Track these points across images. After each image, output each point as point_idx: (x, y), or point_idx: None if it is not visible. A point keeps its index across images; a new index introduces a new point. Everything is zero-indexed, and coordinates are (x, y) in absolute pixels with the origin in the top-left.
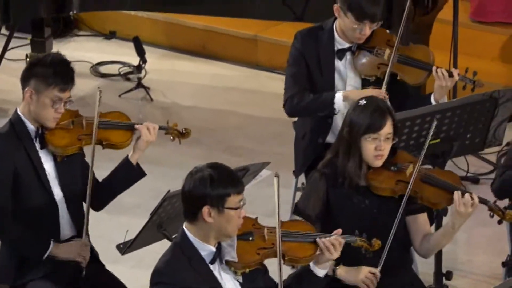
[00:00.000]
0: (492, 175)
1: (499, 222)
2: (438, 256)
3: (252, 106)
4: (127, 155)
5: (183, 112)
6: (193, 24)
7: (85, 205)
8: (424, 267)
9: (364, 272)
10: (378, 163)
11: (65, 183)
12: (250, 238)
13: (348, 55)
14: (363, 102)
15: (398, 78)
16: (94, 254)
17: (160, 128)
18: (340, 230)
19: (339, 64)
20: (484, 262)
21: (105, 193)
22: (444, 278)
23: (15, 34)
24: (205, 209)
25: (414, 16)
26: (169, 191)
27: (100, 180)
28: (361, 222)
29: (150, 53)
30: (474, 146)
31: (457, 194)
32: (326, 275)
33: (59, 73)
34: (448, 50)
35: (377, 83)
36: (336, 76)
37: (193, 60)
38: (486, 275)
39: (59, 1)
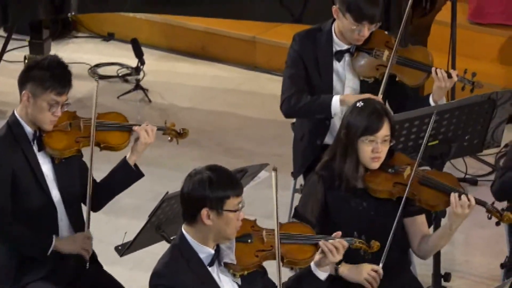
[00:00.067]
0: (491, 177)
1: (497, 223)
2: (437, 257)
3: (250, 107)
4: (125, 157)
5: (181, 114)
6: (191, 25)
7: (86, 200)
8: (422, 269)
9: (367, 270)
10: (375, 165)
11: (63, 185)
12: (249, 240)
13: (346, 57)
14: (360, 104)
15: (397, 79)
16: (92, 255)
17: (158, 128)
18: (339, 233)
19: (337, 65)
20: (482, 264)
21: (103, 194)
22: (442, 279)
23: (14, 36)
24: (204, 212)
25: (412, 17)
26: (167, 192)
27: (98, 181)
28: (359, 224)
29: (148, 54)
30: (473, 148)
31: (453, 196)
32: (326, 278)
33: (56, 76)
34: (447, 52)
35: (376, 85)
36: (335, 77)
37: (192, 61)
38: (484, 276)
39: (57, 2)
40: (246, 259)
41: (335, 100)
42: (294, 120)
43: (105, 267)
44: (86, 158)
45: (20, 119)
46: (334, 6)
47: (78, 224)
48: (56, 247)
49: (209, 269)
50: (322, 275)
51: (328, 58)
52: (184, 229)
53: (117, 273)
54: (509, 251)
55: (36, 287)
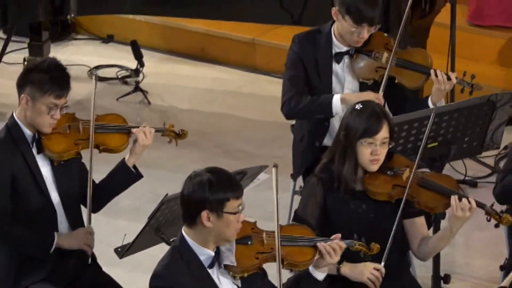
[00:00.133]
0: (490, 179)
1: (496, 226)
2: (436, 259)
3: (250, 109)
4: (124, 158)
5: (181, 116)
6: (191, 27)
7: (85, 202)
8: (422, 271)
9: (369, 269)
10: (374, 167)
11: (63, 188)
12: (249, 243)
13: (346, 59)
14: (359, 106)
15: (396, 81)
16: (92, 257)
17: (156, 130)
18: (339, 235)
19: (337, 67)
20: (482, 266)
21: (102, 195)
22: (442, 281)
23: (13, 38)
24: (204, 214)
25: (411, 19)
26: (167, 194)
27: (97, 182)
28: (358, 226)
29: (148, 56)
30: (472, 150)
31: (454, 199)
32: (325, 278)
33: (55, 79)
34: (446, 54)
35: (375, 87)
36: (334, 79)
37: (191, 63)
38: (484, 278)
39: (57, 4)
40: (246, 261)
41: (336, 99)
42: (293, 122)
43: (105, 269)
44: (85, 160)
45: (19, 122)
46: (333, 8)
47: (78, 226)
48: (58, 244)
49: (209, 271)
50: (320, 276)
51: (327, 60)
52: (184, 231)
53: (116, 275)
54: (508, 253)
55: None
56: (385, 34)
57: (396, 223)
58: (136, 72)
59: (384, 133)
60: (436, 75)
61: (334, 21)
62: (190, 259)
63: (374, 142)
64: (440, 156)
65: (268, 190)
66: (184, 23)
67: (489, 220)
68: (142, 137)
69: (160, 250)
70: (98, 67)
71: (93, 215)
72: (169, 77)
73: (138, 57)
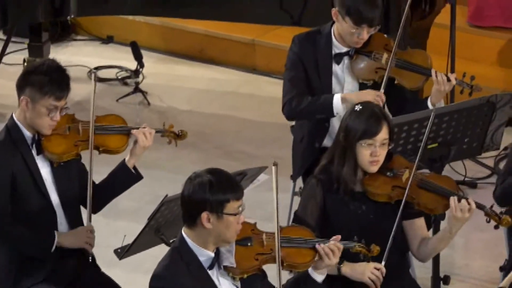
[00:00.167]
0: (490, 180)
1: (496, 227)
2: (436, 260)
3: (249, 110)
4: (124, 159)
5: (180, 117)
6: (190, 28)
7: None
8: (421, 272)
9: (370, 268)
10: (374, 169)
11: (62, 189)
12: (249, 244)
13: (345, 60)
14: (358, 107)
15: (395, 82)
16: (91, 258)
17: (156, 131)
18: (339, 236)
19: (336, 68)
20: (482, 267)
21: (102, 196)
22: (441, 282)
23: (13, 39)
24: (204, 215)
25: (411, 20)
26: (166, 195)
27: (96, 183)
28: (358, 227)
29: (148, 57)
30: (472, 151)
31: (453, 200)
32: (325, 280)
33: (55, 81)
34: (446, 55)
35: (375, 88)
36: (334, 80)
37: (191, 64)
38: (483, 279)
39: (56, 5)
40: (246, 262)
41: (337, 98)
42: (293, 122)
43: (105, 270)
44: (84, 161)
45: (18, 123)
46: (333, 8)
47: (78, 227)
48: (59, 243)
49: (209, 272)
50: (319, 277)
51: (327, 61)
52: (184, 232)
53: (116, 276)
54: (508, 254)
55: None
56: (385, 35)
57: (396, 224)
58: (136, 73)
59: (383, 134)
60: (436, 76)
61: (334, 22)
62: (190, 260)
63: (374, 143)
64: (440, 157)
65: (268, 191)
66: (183, 24)
67: (488, 222)
68: (142, 138)
69: (160, 251)
70: (98, 68)
71: (92, 216)
72: (168, 77)
73: (138, 58)
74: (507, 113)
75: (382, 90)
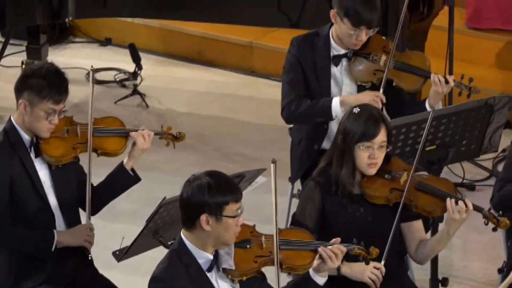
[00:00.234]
0: (488, 182)
1: (494, 229)
2: (434, 262)
3: (248, 112)
4: (122, 161)
5: (178, 119)
6: (189, 30)
7: (82, 205)
8: (420, 274)
9: (369, 268)
10: (372, 171)
11: (61, 191)
12: (248, 246)
13: (344, 61)
14: (357, 110)
15: (394, 84)
16: (89, 260)
17: (155, 133)
18: (338, 239)
19: (335, 70)
20: (480, 269)
21: (100, 198)
22: (440, 284)
23: (11, 41)
24: (203, 217)
25: (409, 22)
26: (165, 197)
27: (94, 185)
28: (356, 230)
29: (146, 59)
30: (470, 153)
31: (449, 202)
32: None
33: (53, 85)
34: (444, 57)
35: (373, 90)
36: (332, 82)
37: (189, 66)
38: (481, 281)
39: (54, 7)
40: (245, 264)
41: (335, 102)
42: (291, 125)
43: (103, 272)
44: (82, 163)
45: (17, 126)
46: (332, 10)
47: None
48: (58, 242)
49: (208, 274)
50: (320, 280)
51: (325, 63)
52: (183, 234)
53: (114, 278)
54: (506, 256)
55: None
56: (383, 37)
57: (394, 226)
58: (134, 75)
59: (381, 137)
60: (434, 78)
61: (332, 24)
62: (189, 262)
63: (372, 146)
64: (438, 159)
65: (266, 193)
66: (182, 26)
67: (486, 224)
68: (141, 141)
69: (158, 253)
70: (96, 70)
71: (91, 218)
72: (167, 80)
73: (136, 60)
74: (505, 115)
75: (381, 91)
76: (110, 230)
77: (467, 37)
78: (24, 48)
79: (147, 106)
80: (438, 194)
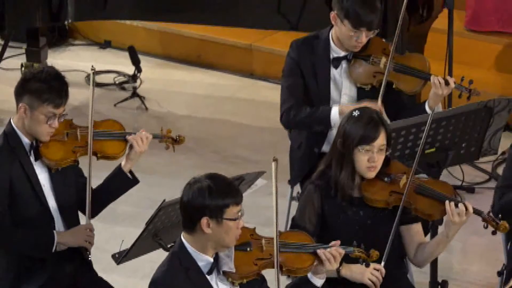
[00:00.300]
0: (488, 185)
1: (493, 233)
2: (434, 265)
3: (247, 115)
4: (120, 164)
5: (178, 121)
6: (188, 33)
7: (82, 207)
8: (419, 277)
9: (369, 269)
10: (371, 174)
11: (60, 194)
12: (248, 249)
13: (343, 64)
14: (356, 113)
15: (393, 86)
16: (88, 262)
17: (154, 136)
18: (338, 242)
19: (334, 72)
20: (479, 272)
21: (99, 200)
22: (439, 287)
23: (10, 44)
24: (204, 220)
25: (409, 25)
26: (164, 200)
27: (93, 187)
28: (356, 232)
29: (145, 62)
30: (470, 155)
31: (448, 205)
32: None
33: (53, 89)
34: (443, 59)
35: (373, 92)
36: (332, 84)
37: (188, 69)
38: (481, 284)
39: (54, 10)
40: (245, 267)
41: (334, 111)
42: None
43: (102, 275)
44: (82, 165)
45: (16, 130)
46: (332, 12)
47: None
48: (59, 242)
49: (208, 277)
50: (318, 282)
51: (325, 65)
52: (183, 237)
53: (114, 281)
54: (506, 259)
55: None
56: (383, 40)
57: (393, 229)
58: (134, 77)
59: (381, 140)
60: (434, 80)
61: (332, 27)
62: (189, 265)
63: (372, 149)
64: (437, 161)
65: (266, 196)
66: (181, 29)
67: (486, 227)
68: (138, 144)
69: (158, 256)
70: (95, 73)
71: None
72: (166, 82)
73: (136, 62)
74: (505, 118)
75: (381, 95)
76: (109, 232)
77: (467, 39)
78: (23, 50)
79: (146, 108)
80: (438, 197)
